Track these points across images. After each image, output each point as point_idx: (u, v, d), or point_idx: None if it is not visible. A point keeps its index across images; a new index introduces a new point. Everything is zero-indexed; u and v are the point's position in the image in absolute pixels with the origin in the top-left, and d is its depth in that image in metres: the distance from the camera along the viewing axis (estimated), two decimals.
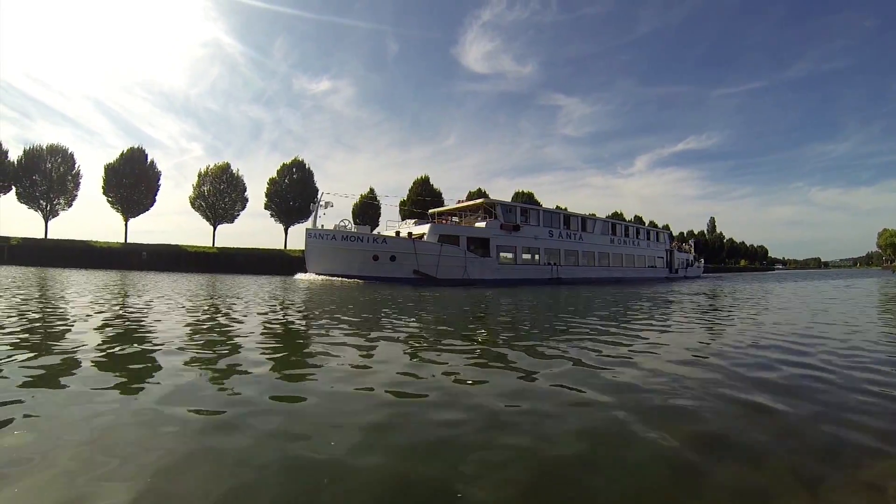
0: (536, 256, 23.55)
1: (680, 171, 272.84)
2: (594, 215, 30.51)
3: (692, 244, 46.28)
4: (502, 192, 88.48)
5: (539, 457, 1.62)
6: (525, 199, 60.23)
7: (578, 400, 2.30)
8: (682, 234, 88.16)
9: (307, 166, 45.38)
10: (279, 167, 44.77)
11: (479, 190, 54.80)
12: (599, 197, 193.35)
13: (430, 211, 26.46)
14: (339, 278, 17.14)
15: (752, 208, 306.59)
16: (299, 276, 18.98)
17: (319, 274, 17.86)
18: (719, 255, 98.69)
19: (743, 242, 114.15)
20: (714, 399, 2.32)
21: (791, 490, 1.43)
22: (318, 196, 19.48)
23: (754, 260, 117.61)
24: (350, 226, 19.07)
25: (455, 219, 23.72)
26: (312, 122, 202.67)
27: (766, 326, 5.29)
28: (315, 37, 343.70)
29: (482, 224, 21.18)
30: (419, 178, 46.83)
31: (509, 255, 22.10)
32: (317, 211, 18.83)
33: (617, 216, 76.18)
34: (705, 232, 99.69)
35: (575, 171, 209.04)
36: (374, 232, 21.22)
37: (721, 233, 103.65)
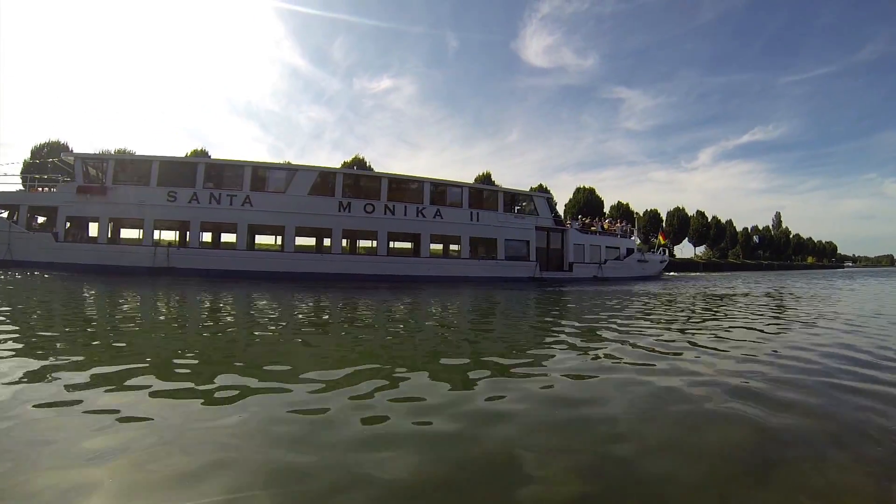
0: (140, 232, 16.28)
1: (745, 164, 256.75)
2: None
3: (640, 224, 33.44)
4: (565, 187, 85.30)
5: None
6: (586, 195, 55.24)
7: None
8: (745, 229, 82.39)
9: (368, 164, 44.60)
10: (340, 165, 44.14)
11: (541, 185, 52.33)
12: (663, 192, 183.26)
13: None
14: None
15: (821, 202, 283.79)
16: None
17: None
18: (785, 251, 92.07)
19: (810, 238, 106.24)
20: None
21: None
22: None
23: (822, 257, 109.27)
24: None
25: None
26: (374, 120, 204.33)
27: None
28: (374, 36, 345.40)
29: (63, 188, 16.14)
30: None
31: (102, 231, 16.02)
32: None
33: (679, 212, 68.20)
34: (770, 227, 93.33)
35: (638, 165, 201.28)
36: None
37: (787, 228, 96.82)
